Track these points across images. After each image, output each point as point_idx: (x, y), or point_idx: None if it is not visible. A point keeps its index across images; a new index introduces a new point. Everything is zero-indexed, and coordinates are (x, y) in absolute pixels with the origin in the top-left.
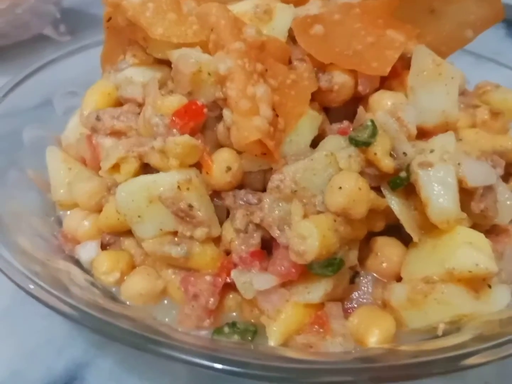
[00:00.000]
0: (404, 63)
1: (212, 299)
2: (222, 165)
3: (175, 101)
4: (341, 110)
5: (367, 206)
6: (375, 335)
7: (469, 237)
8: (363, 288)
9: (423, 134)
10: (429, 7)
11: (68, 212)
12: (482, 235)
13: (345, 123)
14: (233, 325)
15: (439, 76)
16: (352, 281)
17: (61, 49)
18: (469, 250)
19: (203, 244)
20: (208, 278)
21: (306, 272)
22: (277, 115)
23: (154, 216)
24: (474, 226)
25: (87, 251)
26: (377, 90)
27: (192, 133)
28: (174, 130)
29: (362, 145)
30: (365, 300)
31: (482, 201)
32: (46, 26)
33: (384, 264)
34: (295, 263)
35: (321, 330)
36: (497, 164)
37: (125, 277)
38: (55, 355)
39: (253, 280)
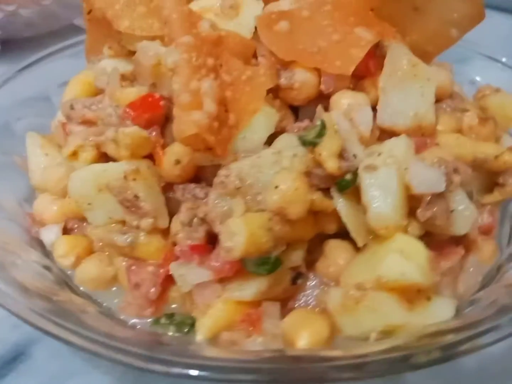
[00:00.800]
0: (380, 62)
1: (153, 289)
2: (172, 158)
3: (132, 93)
4: (311, 109)
5: (305, 207)
6: (304, 338)
7: (404, 245)
8: (308, 290)
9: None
10: (413, 4)
11: None
12: (419, 244)
13: (305, 121)
14: (170, 316)
15: (414, 77)
16: (294, 282)
17: None
18: (397, 259)
19: (149, 234)
20: (150, 268)
21: (243, 269)
22: (226, 111)
23: (103, 204)
24: (429, 236)
25: (49, 234)
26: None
27: (149, 125)
28: (128, 121)
29: (308, 144)
30: (310, 302)
31: (429, 209)
32: (76, 16)
33: (331, 268)
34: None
35: (250, 328)
36: (460, 172)
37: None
38: (9, 330)
39: (188, 273)
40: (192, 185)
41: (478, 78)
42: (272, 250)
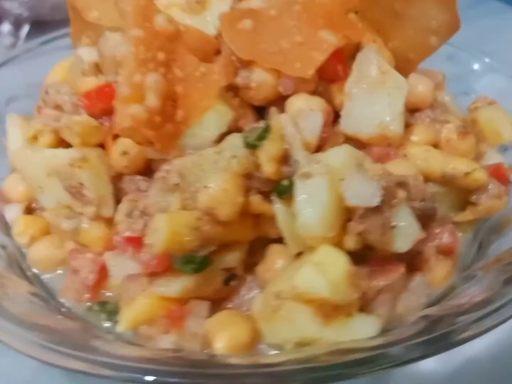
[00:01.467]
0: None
1: (91, 276)
2: (119, 148)
3: (91, 82)
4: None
5: (234, 209)
6: (221, 341)
7: (324, 257)
8: (243, 293)
9: (361, 145)
10: (393, 9)
11: None
12: (340, 259)
13: (261, 122)
14: (102, 304)
15: (382, 85)
16: (227, 283)
17: None
18: (310, 271)
19: (92, 222)
20: (89, 255)
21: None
22: (173, 106)
23: (52, 189)
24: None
25: (11, 212)
26: (313, 93)
27: (103, 115)
28: (82, 110)
29: (250, 146)
30: (243, 305)
31: (361, 223)
32: None
33: (267, 272)
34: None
35: (172, 324)
36: (408, 188)
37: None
38: None
39: (119, 264)
40: (138, 177)
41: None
42: (198, 249)
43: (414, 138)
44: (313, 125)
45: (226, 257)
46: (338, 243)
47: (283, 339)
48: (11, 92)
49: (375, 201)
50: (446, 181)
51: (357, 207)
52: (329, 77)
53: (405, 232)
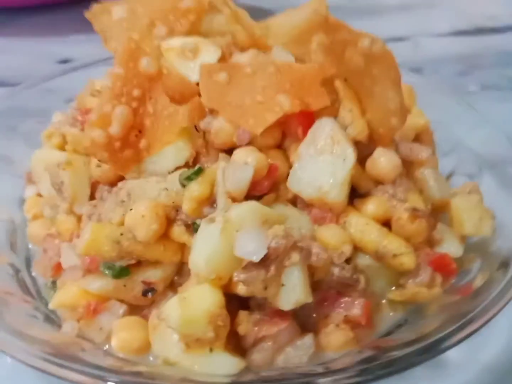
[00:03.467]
0: None
1: (54, 258)
2: (95, 161)
3: (92, 103)
4: None
5: (149, 234)
6: (116, 340)
7: (194, 294)
8: (161, 305)
9: (305, 204)
10: (364, 84)
11: None
12: (209, 300)
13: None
14: (54, 283)
15: (330, 153)
16: (144, 294)
17: None
18: (173, 302)
19: (66, 214)
20: (57, 241)
21: None
22: (138, 136)
23: (46, 181)
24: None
25: (28, 192)
26: (276, 146)
27: None
28: (78, 124)
29: (181, 183)
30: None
31: (243, 273)
32: None
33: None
34: None
35: (86, 314)
36: (309, 252)
37: None
38: None
39: (67, 254)
40: (105, 187)
41: None
42: (116, 259)
43: (364, 208)
44: (239, 178)
45: (147, 272)
46: (229, 287)
47: (157, 353)
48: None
49: (255, 257)
50: (378, 257)
51: (243, 259)
52: (291, 136)
53: (290, 293)
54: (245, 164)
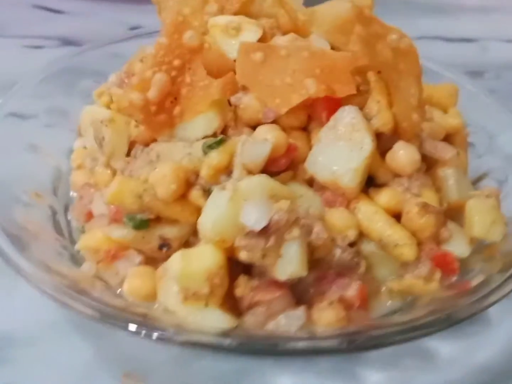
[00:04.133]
0: None
1: (88, 205)
2: (133, 122)
3: (139, 68)
4: None
5: (168, 193)
6: (127, 284)
7: (197, 252)
8: None
9: (320, 185)
10: (391, 77)
11: None
12: (210, 259)
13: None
14: (83, 226)
15: (348, 140)
16: (160, 248)
17: None
18: (177, 256)
19: (104, 167)
20: (92, 190)
21: None
22: (172, 103)
23: (90, 134)
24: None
25: (76, 143)
26: (301, 127)
27: None
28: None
29: (203, 151)
30: None
31: (244, 240)
32: None
33: None
34: None
35: (105, 258)
36: (310, 230)
37: None
38: None
39: (99, 203)
40: (140, 147)
41: None
42: (137, 212)
43: (377, 198)
44: (256, 152)
45: (165, 228)
46: (233, 251)
47: (160, 302)
48: None
49: (256, 227)
50: (382, 246)
51: (246, 226)
52: (316, 120)
53: (286, 264)
54: (265, 140)
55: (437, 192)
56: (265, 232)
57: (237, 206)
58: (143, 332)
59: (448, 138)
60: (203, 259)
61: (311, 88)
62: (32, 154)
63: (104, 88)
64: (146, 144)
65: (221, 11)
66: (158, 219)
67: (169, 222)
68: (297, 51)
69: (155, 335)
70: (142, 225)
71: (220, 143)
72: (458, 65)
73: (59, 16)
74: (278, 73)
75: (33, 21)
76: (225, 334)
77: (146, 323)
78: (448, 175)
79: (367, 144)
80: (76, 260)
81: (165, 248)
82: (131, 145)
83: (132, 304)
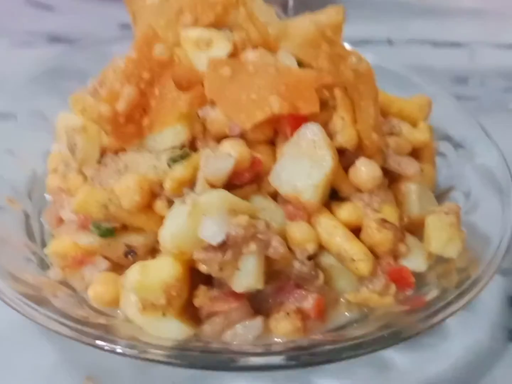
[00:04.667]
0: None
1: (58, 210)
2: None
3: None
4: None
5: (131, 204)
6: (91, 290)
7: (155, 264)
8: None
9: (283, 200)
10: (353, 96)
11: None
12: (167, 272)
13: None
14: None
15: (310, 157)
16: (126, 255)
17: None
18: (134, 268)
19: (76, 173)
20: (64, 196)
21: None
22: (141, 115)
23: (65, 141)
24: None
25: (54, 147)
26: (267, 141)
27: None
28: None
29: (167, 163)
30: None
31: (202, 254)
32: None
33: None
34: None
35: (72, 264)
36: (269, 245)
37: None
38: None
39: (65, 209)
40: (111, 155)
41: None
42: (103, 220)
43: (339, 212)
44: (218, 167)
45: (130, 236)
46: (194, 263)
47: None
48: None
49: (214, 241)
50: (340, 259)
51: (204, 240)
52: (282, 135)
53: (243, 277)
54: (228, 155)
55: (400, 206)
56: (222, 246)
57: (196, 220)
58: (98, 344)
59: (415, 152)
60: (160, 272)
61: (274, 106)
62: (8, 157)
63: (80, 95)
64: (117, 152)
65: (196, 22)
66: (124, 227)
67: (135, 230)
68: (264, 68)
69: (107, 348)
70: (107, 233)
71: (184, 156)
72: (444, 70)
73: (48, 12)
74: (245, 89)
75: (23, 17)
76: (178, 347)
77: (102, 336)
78: (410, 190)
79: (328, 162)
80: (45, 265)
81: (131, 255)
82: (103, 153)
83: (93, 314)
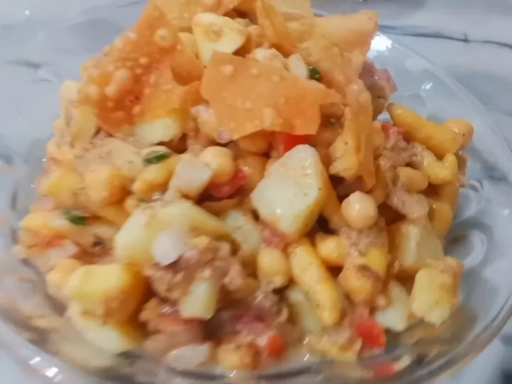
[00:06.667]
0: None
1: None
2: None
3: None
4: None
5: (100, 197)
6: (53, 273)
7: (100, 270)
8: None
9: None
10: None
11: None
12: (109, 282)
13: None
14: None
15: (296, 183)
16: (93, 245)
17: None
18: (78, 272)
19: (69, 147)
20: (54, 167)
21: None
22: (132, 102)
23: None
24: None
25: None
26: (260, 153)
27: None
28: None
29: (143, 162)
30: None
31: (151, 270)
32: None
33: None
34: None
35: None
36: (227, 273)
37: None
38: None
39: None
40: (102, 135)
41: None
42: (73, 208)
43: (321, 245)
44: (192, 178)
45: (100, 228)
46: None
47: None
48: None
49: (163, 261)
50: (308, 299)
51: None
52: (275, 150)
53: (191, 303)
54: (205, 166)
55: (395, 250)
56: (173, 267)
57: (153, 233)
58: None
59: (433, 188)
60: (103, 281)
61: (267, 120)
62: (15, 115)
63: (91, 62)
64: (110, 134)
65: (219, 4)
66: (96, 217)
67: (106, 222)
68: (268, 73)
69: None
70: (76, 221)
71: (160, 158)
72: None
73: None
74: (242, 94)
75: None
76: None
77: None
78: (410, 234)
79: (313, 192)
80: (17, 239)
81: (99, 246)
82: (99, 130)
83: (38, 311)
